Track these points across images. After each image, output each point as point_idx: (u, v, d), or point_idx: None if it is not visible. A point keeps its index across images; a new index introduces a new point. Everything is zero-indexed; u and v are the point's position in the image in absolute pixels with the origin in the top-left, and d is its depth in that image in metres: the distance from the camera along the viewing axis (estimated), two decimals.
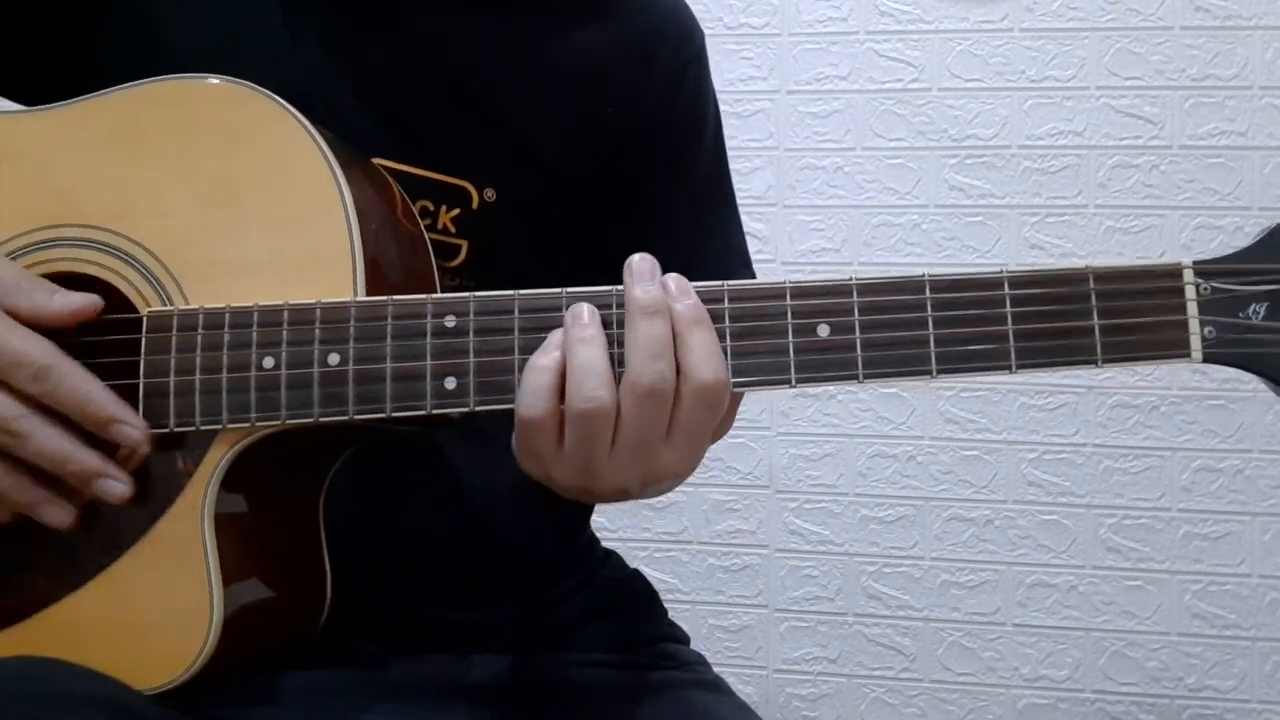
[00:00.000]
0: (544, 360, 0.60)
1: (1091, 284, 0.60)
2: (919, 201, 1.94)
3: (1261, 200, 1.85)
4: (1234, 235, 1.86)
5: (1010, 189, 1.92)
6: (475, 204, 0.77)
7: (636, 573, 0.93)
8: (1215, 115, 1.87)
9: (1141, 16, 1.88)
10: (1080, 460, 1.90)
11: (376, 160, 0.74)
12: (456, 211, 0.77)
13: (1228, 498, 1.87)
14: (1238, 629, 1.87)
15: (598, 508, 0.91)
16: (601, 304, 0.61)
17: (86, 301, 0.66)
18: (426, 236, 0.74)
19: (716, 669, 0.86)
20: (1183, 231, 1.88)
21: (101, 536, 0.66)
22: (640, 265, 0.61)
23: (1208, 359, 0.59)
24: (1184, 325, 0.59)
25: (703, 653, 0.88)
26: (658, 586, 0.93)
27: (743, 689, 1.94)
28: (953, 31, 1.93)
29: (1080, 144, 1.90)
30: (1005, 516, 1.92)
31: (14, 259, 0.68)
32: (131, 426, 0.64)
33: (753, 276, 0.87)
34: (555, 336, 0.61)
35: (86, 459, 0.64)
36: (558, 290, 0.62)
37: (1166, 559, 1.88)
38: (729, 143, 0.89)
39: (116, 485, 0.64)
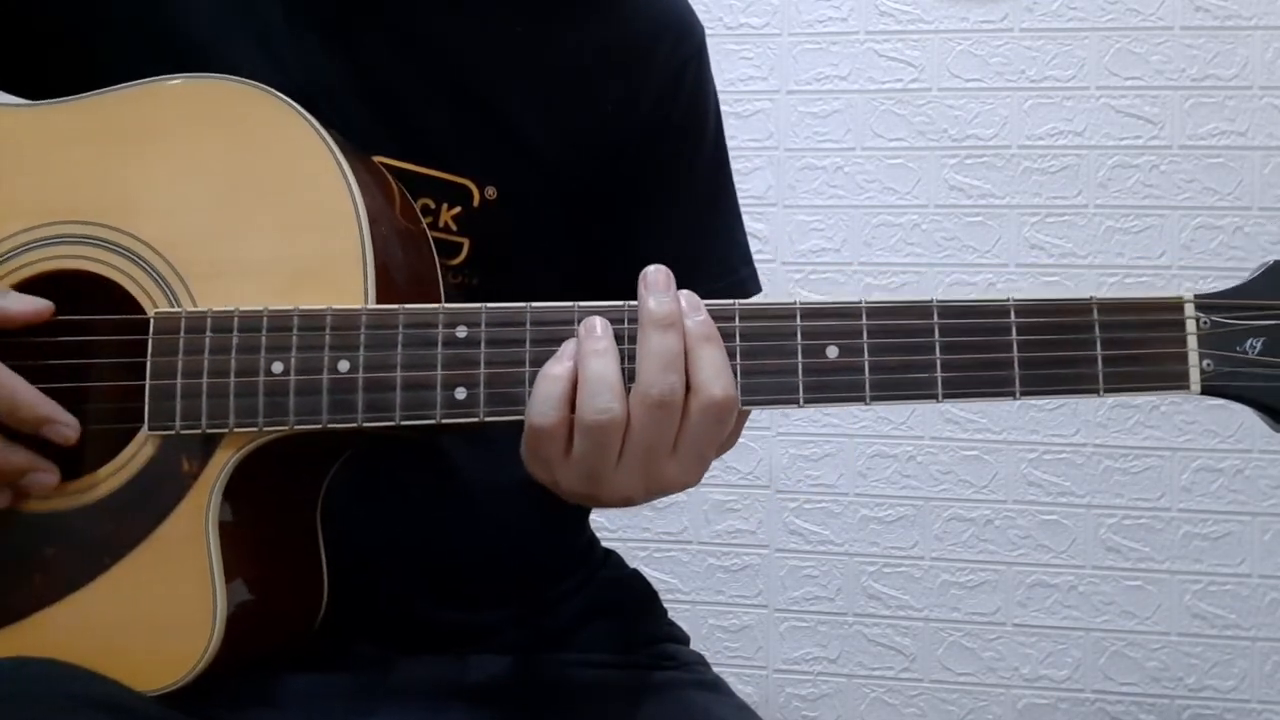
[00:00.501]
0: (557, 369, 0.60)
1: (1096, 315, 0.61)
2: (919, 201, 1.94)
3: (1261, 200, 1.85)
4: (1234, 235, 1.86)
5: (1010, 189, 1.92)
6: (476, 202, 0.77)
7: (636, 573, 0.93)
8: (1215, 115, 1.87)
9: (1141, 16, 1.89)
10: (1080, 460, 1.91)
11: (378, 158, 0.74)
12: (458, 209, 0.77)
13: (1228, 498, 1.87)
14: (1238, 629, 1.87)
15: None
16: (614, 318, 0.62)
17: (38, 305, 0.66)
18: (429, 235, 0.74)
19: (716, 669, 0.86)
20: (1183, 231, 1.88)
21: (105, 537, 0.65)
22: (655, 276, 0.61)
23: (1205, 391, 0.61)
24: (1184, 358, 0.61)
25: (703, 653, 0.88)
26: (658, 586, 0.93)
27: (743, 689, 1.94)
28: (953, 31, 1.93)
29: (1080, 144, 1.90)
30: (1005, 516, 1.92)
31: (20, 253, 0.68)
32: (64, 425, 0.65)
33: (755, 274, 0.87)
34: (569, 346, 0.61)
35: (13, 457, 0.64)
36: (569, 304, 0.63)
37: (1166, 559, 1.89)
38: (729, 143, 0.89)
39: (45, 477, 0.65)
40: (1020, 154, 1.92)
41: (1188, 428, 1.88)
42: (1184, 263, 1.87)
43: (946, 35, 1.94)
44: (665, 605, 0.92)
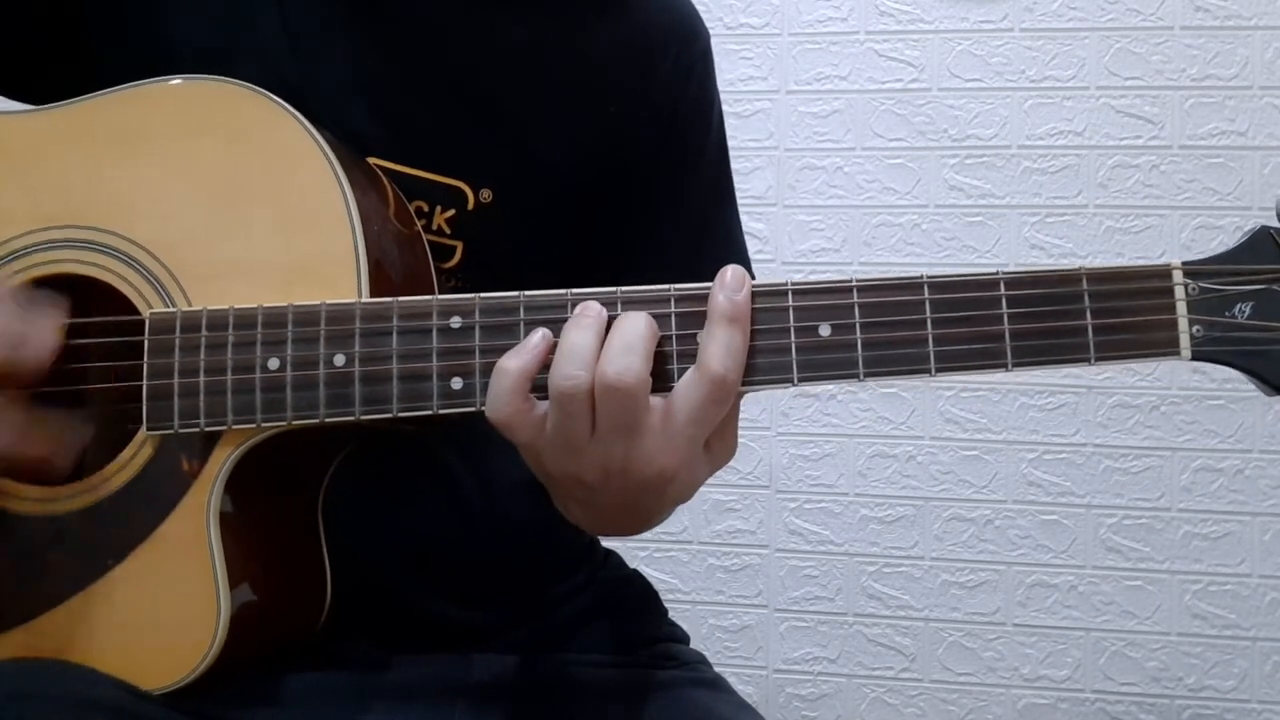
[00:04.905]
0: (511, 364, 0.60)
1: (1085, 284, 0.61)
2: (919, 201, 1.94)
3: (1261, 200, 1.85)
4: (1234, 235, 1.83)
5: (1010, 189, 1.92)
6: (471, 205, 0.77)
7: (636, 573, 0.93)
8: (1215, 115, 1.87)
9: (1141, 16, 1.89)
10: (1080, 460, 1.91)
11: (372, 160, 0.74)
12: (452, 212, 0.77)
13: (1228, 498, 1.87)
14: (1238, 629, 1.87)
15: None
16: (606, 302, 0.62)
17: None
18: (424, 237, 0.74)
19: (716, 669, 0.86)
20: (1183, 231, 1.88)
21: (107, 538, 0.66)
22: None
23: (1196, 357, 0.61)
24: (1173, 324, 0.61)
25: (703, 653, 0.88)
26: (658, 586, 0.93)
27: (743, 689, 1.93)
28: (953, 31, 1.94)
29: (1080, 144, 1.90)
30: (1005, 516, 1.92)
31: (13, 259, 0.68)
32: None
33: (752, 278, 0.87)
34: (530, 339, 0.61)
35: None
36: (563, 291, 0.63)
37: (1166, 559, 1.89)
38: (729, 143, 0.89)
39: None
40: (1020, 154, 1.92)
41: (1188, 428, 1.88)
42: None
43: (946, 35, 1.94)
44: (665, 605, 0.92)
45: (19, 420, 0.63)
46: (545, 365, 0.60)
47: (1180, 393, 1.88)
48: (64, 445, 0.65)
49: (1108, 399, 1.90)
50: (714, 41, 0.86)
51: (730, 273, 0.61)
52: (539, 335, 0.61)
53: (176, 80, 0.69)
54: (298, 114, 0.67)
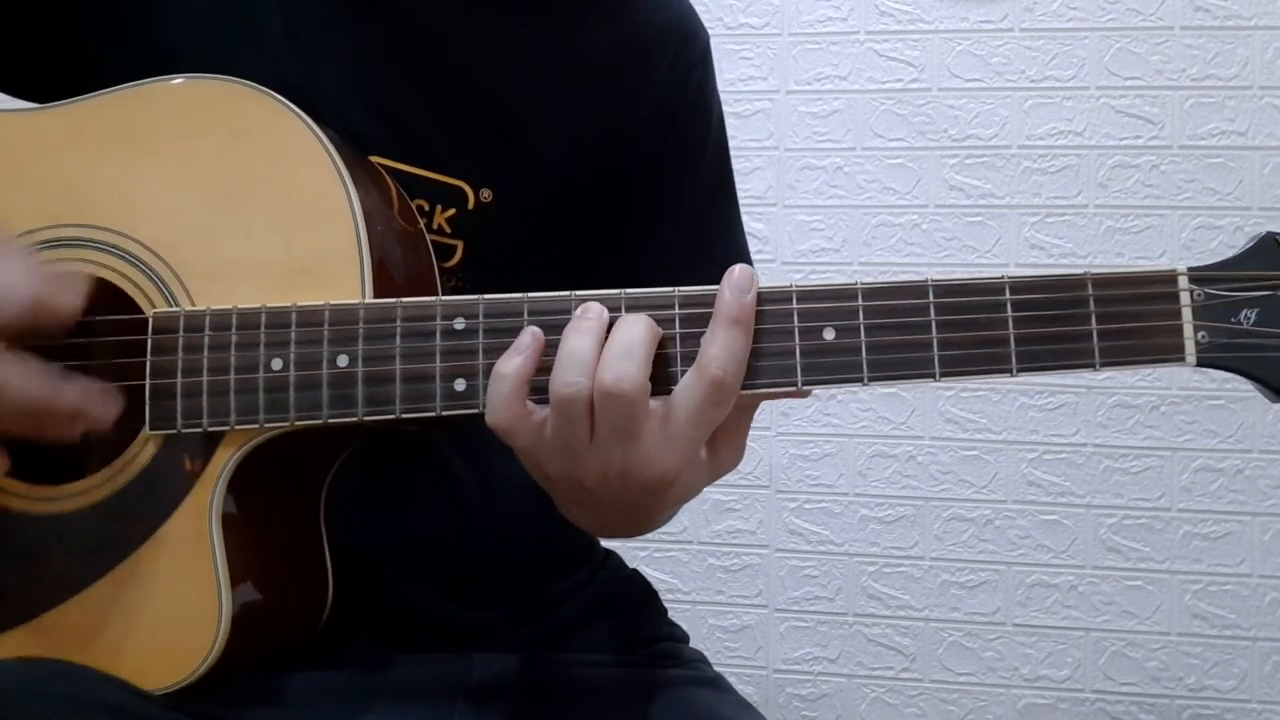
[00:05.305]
0: (505, 368, 0.60)
1: (1090, 289, 0.61)
2: (919, 201, 1.94)
3: (1261, 200, 1.86)
4: (1234, 235, 1.86)
5: (1010, 189, 1.92)
6: (471, 204, 0.77)
7: (636, 572, 0.93)
8: (1215, 115, 1.87)
9: (1141, 16, 1.89)
10: (1080, 460, 1.91)
11: (373, 158, 0.74)
12: (452, 212, 0.77)
13: (1228, 498, 1.87)
14: (1238, 629, 1.87)
15: None
16: (610, 305, 0.62)
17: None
18: (426, 236, 0.74)
19: (716, 669, 0.86)
20: (1183, 231, 1.88)
21: (109, 538, 0.66)
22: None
23: (1201, 363, 0.61)
24: (1179, 330, 0.61)
25: (703, 652, 0.88)
26: (658, 586, 0.93)
27: (743, 689, 1.93)
28: (953, 31, 1.94)
29: (1080, 144, 1.90)
30: (1005, 516, 1.93)
31: None
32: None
33: None
34: (521, 340, 0.61)
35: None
36: (566, 293, 0.63)
37: (1166, 559, 1.89)
38: (729, 143, 0.89)
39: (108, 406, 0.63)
40: (1020, 154, 1.92)
41: (1188, 428, 1.88)
42: (1184, 263, 1.87)
43: (946, 35, 1.94)
44: (665, 605, 0.92)
45: (48, 369, 0.62)
46: (542, 366, 0.60)
47: (1180, 393, 1.88)
48: (88, 401, 0.63)
49: (1108, 399, 1.90)
50: (714, 41, 0.86)
51: (739, 271, 0.60)
52: (529, 336, 0.60)
53: (179, 79, 0.69)
54: (301, 113, 0.67)
